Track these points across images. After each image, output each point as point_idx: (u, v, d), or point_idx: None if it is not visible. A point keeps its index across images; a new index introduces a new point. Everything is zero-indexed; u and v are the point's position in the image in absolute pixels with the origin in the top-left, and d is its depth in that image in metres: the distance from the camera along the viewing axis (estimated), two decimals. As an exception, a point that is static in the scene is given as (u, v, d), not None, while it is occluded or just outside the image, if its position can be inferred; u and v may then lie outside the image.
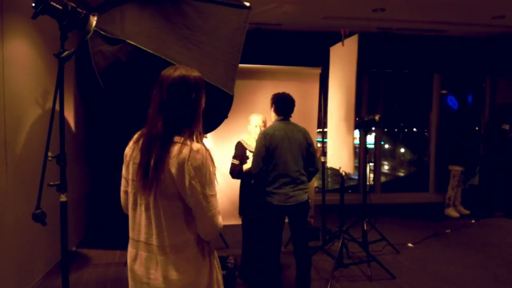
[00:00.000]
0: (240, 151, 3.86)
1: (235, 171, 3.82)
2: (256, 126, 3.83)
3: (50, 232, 3.21)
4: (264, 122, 3.90)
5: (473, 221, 6.18)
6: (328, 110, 5.00)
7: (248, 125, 3.93)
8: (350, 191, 7.84)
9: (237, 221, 4.54)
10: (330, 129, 4.91)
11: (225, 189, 5.04)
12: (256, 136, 3.75)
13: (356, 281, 4.01)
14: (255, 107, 5.06)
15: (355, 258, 4.45)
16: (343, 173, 4.45)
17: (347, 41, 4.44)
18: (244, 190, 3.90)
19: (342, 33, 4.48)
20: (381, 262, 4.18)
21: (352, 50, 4.25)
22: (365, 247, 4.32)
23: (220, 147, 5.16)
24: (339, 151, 4.56)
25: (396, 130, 10.39)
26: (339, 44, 4.61)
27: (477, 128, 7.69)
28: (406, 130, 10.26)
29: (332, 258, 4.46)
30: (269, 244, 3.44)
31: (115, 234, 5.34)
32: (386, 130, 9.28)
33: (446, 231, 5.69)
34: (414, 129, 9.96)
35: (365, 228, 4.51)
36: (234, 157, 3.86)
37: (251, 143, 3.86)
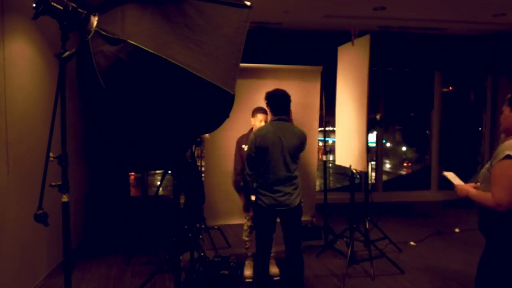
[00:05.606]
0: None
1: None
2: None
3: (52, 232, 3.21)
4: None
5: (457, 230, 5.72)
6: (336, 108, 5.05)
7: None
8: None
9: (239, 220, 4.53)
10: (339, 128, 4.94)
11: (228, 188, 5.02)
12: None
13: (358, 277, 4.04)
14: (256, 106, 5.05)
15: (358, 256, 4.44)
16: (355, 171, 4.51)
17: (357, 41, 4.52)
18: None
19: (352, 33, 4.55)
20: (384, 260, 4.22)
21: (363, 50, 4.34)
22: (369, 245, 4.34)
23: (221, 147, 5.15)
24: (350, 150, 4.56)
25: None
26: (349, 43, 4.67)
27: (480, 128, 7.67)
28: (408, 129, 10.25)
29: (341, 255, 4.53)
30: (259, 245, 3.41)
31: (116, 235, 5.34)
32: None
33: (456, 230, 5.69)
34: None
35: (367, 226, 4.51)
36: None
37: None
